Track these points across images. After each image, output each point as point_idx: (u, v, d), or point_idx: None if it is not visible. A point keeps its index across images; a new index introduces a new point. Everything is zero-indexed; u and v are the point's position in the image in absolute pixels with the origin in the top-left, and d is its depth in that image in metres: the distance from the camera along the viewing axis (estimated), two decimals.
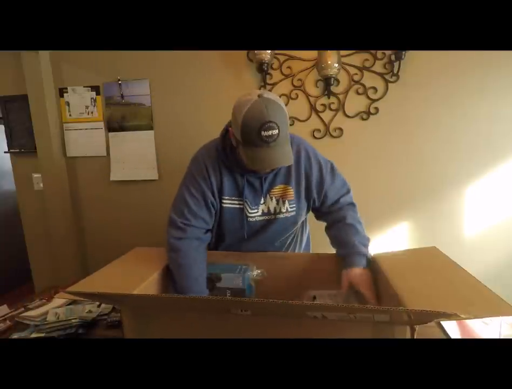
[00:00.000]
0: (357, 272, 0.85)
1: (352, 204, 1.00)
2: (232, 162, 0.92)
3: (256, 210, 0.95)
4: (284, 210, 0.95)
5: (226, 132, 0.93)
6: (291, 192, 0.95)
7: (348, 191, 1.02)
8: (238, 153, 0.86)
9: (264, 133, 0.75)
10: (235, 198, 0.94)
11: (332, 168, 1.00)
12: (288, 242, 1.05)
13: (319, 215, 1.04)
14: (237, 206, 0.94)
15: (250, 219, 0.95)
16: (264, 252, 0.99)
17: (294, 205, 0.96)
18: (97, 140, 1.78)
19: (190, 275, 0.88)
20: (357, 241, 0.89)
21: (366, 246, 0.91)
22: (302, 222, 1.08)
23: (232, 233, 0.98)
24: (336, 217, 0.98)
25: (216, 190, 0.93)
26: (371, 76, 1.49)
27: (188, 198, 0.93)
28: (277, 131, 0.76)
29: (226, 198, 0.94)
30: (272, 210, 0.95)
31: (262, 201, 0.95)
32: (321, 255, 0.99)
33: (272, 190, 0.95)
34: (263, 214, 0.96)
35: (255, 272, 0.91)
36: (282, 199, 0.95)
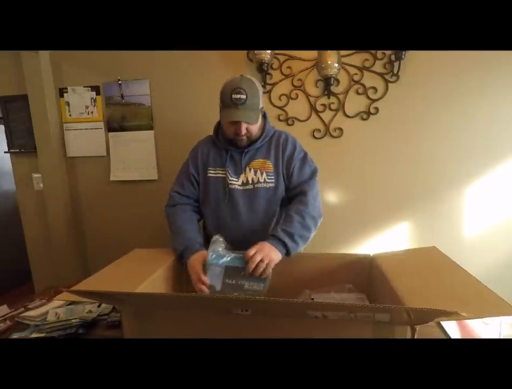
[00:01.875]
0: (261, 243, 0.90)
1: (302, 194, 1.04)
2: (220, 141, 1.12)
3: (236, 180, 1.09)
4: (262, 180, 1.08)
5: (219, 122, 1.13)
6: (270, 165, 1.09)
7: (311, 177, 1.08)
8: (222, 127, 1.09)
9: (234, 96, 0.98)
10: (219, 168, 1.11)
11: (305, 157, 1.12)
12: (269, 229, 1.08)
13: (287, 198, 1.11)
14: (220, 175, 1.10)
15: (231, 186, 1.08)
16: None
17: (273, 177, 1.08)
18: (97, 140, 1.78)
19: (179, 224, 1.06)
20: (281, 228, 0.95)
21: (288, 233, 0.94)
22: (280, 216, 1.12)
23: (215, 201, 1.11)
24: (287, 208, 1.05)
25: (201, 164, 1.14)
26: (371, 76, 1.49)
27: (178, 174, 1.20)
28: (245, 96, 0.98)
29: (211, 169, 1.12)
30: (250, 180, 1.08)
31: (242, 172, 1.09)
32: (322, 255, 0.99)
33: (252, 163, 1.09)
34: (243, 184, 1.09)
35: None
36: (260, 170, 1.08)
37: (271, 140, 1.12)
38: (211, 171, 1.12)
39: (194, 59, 1.60)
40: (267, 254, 0.87)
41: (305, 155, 1.12)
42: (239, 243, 0.96)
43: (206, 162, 1.13)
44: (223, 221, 1.10)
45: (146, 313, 0.70)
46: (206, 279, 0.87)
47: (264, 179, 1.07)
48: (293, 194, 1.08)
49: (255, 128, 1.06)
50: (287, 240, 0.93)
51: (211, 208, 1.12)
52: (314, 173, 1.10)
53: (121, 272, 0.88)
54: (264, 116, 1.13)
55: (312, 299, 0.89)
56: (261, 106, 1.05)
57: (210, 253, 0.88)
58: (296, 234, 0.94)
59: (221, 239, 0.92)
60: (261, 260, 0.85)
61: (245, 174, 1.09)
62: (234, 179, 1.09)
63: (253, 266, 0.84)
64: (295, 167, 1.08)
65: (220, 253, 0.89)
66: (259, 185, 1.07)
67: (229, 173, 1.09)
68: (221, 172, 1.11)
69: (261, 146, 1.11)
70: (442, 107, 1.48)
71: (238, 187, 1.08)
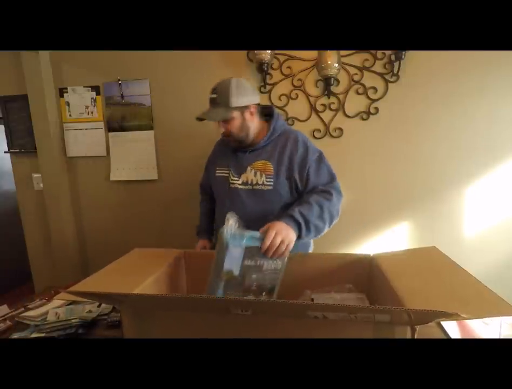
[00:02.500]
0: (276, 222, 0.86)
1: (327, 192, 1.01)
2: (228, 142, 1.14)
3: (237, 179, 1.10)
4: (261, 183, 1.07)
5: None
6: (271, 167, 1.07)
7: (331, 181, 1.05)
8: None
9: (209, 96, 1.05)
10: (224, 168, 1.15)
11: (320, 157, 1.08)
12: None
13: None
14: (225, 174, 1.14)
15: (232, 185, 1.11)
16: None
17: (272, 180, 1.06)
18: (97, 140, 1.78)
19: (199, 216, 1.32)
20: (299, 209, 0.93)
21: (304, 218, 0.91)
22: None
23: (221, 199, 1.17)
24: (307, 195, 1.02)
25: (212, 164, 1.22)
26: (371, 76, 1.49)
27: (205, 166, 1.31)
28: (215, 95, 1.03)
29: (218, 168, 1.17)
30: (250, 181, 1.08)
31: (244, 172, 1.09)
32: (322, 255, 0.99)
33: (254, 163, 1.09)
34: (243, 183, 1.09)
35: None
36: (260, 172, 1.07)
37: (278, 139, 1.10)
38: (218, 171, 1.16)
39: (194, 59, 1.61)
40: (287, 235, 0.84)
41: (320, 155, 1.08)
42: None
43: (214, 162, 1.20)
44: (223, 219, 1.10)
45: (145, 313, 0.70)
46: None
47: (263, 181, 1.06)
48: (316, 191, 1.03)
49: (233, 127, 1.05)
50: (303, 224, 0.90)
51: (218, 205, 1.20)
52: (332, 177, 1.06)
53: (121, 272, 0.88)
54: (270, 114, 1.13)
55: (313, 299, 0.89)
56: (235, 104, 1.02)
57: (225, 232, 0.78)
58: (312, 222, 0.92)
59: (234, 217, 0.83)
60: (282, 242, 0.81)
61: (246, 174, 1.09)
62: (235, 178, 1.10)
63: (273, 249, 0.80)
64: (310, 169, 1.05)
65: (236, 233, 0.80)
66: (257, 187, 1.07)
67: (231, 172, 1.11)
68: (226, 171, 1.13)
69: (266, 145, 1.09)
70: (442, 107, 1.48)
71: (239, 186, 1.09)
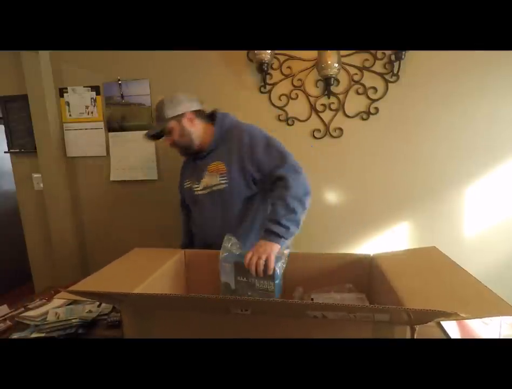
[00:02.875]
0: (259, 242, 0.93)
1: (283, 178, 1.01)
2: (180, 153, 1.21)
3: (198, 186, 1.15)
4: (216, 183, 1.10)
5: None
6: (223, 166, 1.10)
7: (283, 161, 1.04)
8: None
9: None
10: (188, 179, 1.20)
11: (267, 141, 1.08)
12: (246, 227, 1.12)
13: (265, 192, 1.11)
14: (189, 184, 1.19)
15: (196, 193, 1.15)
16: None
17: (225, 177, 1.09)
18: (97, 140, 1.78)
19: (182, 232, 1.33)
20: (268, 220, 0.98)
21: (276, 222, 0.94)
22: (263, 211, 1.14)
23: (191, 208, 1.21)
24: (270, 197, 1.06)
25: (181, 178, 1.27)
26: (371, 76, 1.49)
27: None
28: (155, 113, 1.13)
29: (185, 181, 1.22)
30: (208, 184, 1.12)
31: (202, 178, 1.14)
32: (322, 255, 0.99)
33: (209, 167, 1.12)
34: (203, 188, 1.13)
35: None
36: (214, 173, 1.11)
37: (225, 139, 1.12)
38: (185, 183, 1.22)
39: (194, 59, 1.61)
40: (263, 251, 0.87)
41: (268, 140, 1.08)
42: (216, 246, 0.98)
43: (182, 176, 1.27)
44: (199, 226, 1.20)
45: (145, 312, 0.70)
46: None
47: (218, 181, 1.09)
48: (272, 182, 1.05)
49: (175, 136, 1.11)
50: (276, 228, 0.93)
51: (192, 214, 1.23)
52: (283, 156, 1.05)
53: (121, 271, 0.88)
54: (212, 116, 1.16)
55: (312, 298, 0.89)
56: (170, 115, 1.08)
57: (221, 251, 0.91)
58: (282, 219, 0.94)
59: (231, 238, 0.93)
60: (259, 258, 0.85)
61: (204, 178, 1.13)
62: (196, 186, 1.15)
63: (252, 267, 0.84)
64: (259, 155, 1.06)
65: (230, 250, 0.91)
66: (214, 188, 1.10)
67: (193, 181, 1.17)
68: (190, 182, 1.19)
69: (217, 147, 1.13)
70: (442, 107, 1.48)
71: (200, 192, 1.14)
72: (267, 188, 1.09)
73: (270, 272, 0.85)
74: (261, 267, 0.85)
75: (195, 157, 1.17)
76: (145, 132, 1.18)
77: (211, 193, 1.11)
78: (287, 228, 0.94)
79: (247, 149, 1.07)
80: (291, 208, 0.97)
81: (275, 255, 0.88)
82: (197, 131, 1.12)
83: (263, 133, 1.12)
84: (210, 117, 1.17)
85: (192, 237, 1.27)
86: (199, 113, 1.14)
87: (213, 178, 1.10)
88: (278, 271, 0.86)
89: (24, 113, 1.75)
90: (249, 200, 1.12)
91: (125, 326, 0.72)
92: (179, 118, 1.10)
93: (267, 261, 0.85)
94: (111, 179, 1.79)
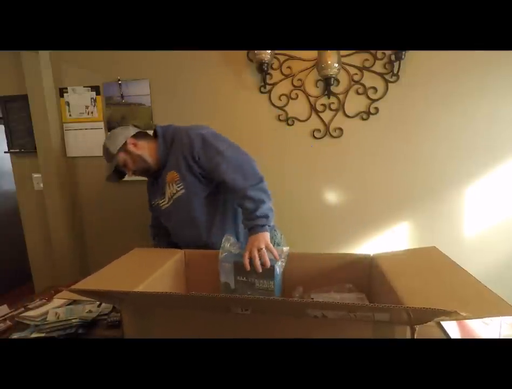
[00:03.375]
0: (249, 239, 0.96)
1: (227, 177, 1.02)
2: (146, 178, 1.25)
3: (164, 200, 1.17)
4: (175, 191, 1.12)
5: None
6: (175, 173, 1.12)
7: (220, 157, 1.04)
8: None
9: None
10: (154, 199, 1.22)
11: (203, 139, 1.08)
12: (218, 224, 1.14)
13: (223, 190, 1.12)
14: (156, 202, 1.20)
15: (163, 208, 1.17)
16: None
17: (181, 183, 1.11)
18: (97, 140, 1.77)
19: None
20: (244, 221, 1.01)
21: (251, 216, 0.97)
22: (231, 204, 1.16)
23: (165, 225, 1.22)
24: (234, 199, 1.08)
25: (149, 202, 1.28)
26: (371, 76, 1.49)
27: None
28: (106, 159, 1.18)
29: (152, 202, 1.25)
30: (170, 194, 1.14)
31: (165, 191, 1.15)
32: (322, 255, 0.99)
33: (166, 178, 1.14)
34: (168, 200, 1.15)
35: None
36: (171, 183, 1.13)
37: (170, 149, 1.13)
38: (153, 204, 1.24)
39: (194, 59, 1.61)
40: (259, 242, 0.90)
41: (202, 138, 1.07)
42: (204, 248, 1.04)
43: (150, 199, 1.28)
44: (177, 238, 1.20)
45: (146, 311, 0.70)
46: None
47: (176, 188, 1.12)
48: (221, 184, 1.07)
49: (129, 165, 1.14)
50: (256, 221, 0.96)
51: (169, 230, 1.24)
52: (218, 150, 1.04)
53: (121, 271, 0.88)
54: (154, 133, 1.17)
55: (312, 298, 0.89)
56: (114, 151, 1.12)
57: (220, 251, 0.92)
58: (256, 212, 0.97)
59: (230, 238, 0.95)
60: (259, 249, 0.88)
61: (167, 191, 1.15)
62: (163, 201, 1.17)
63: (256, 261, 0.86)
64: (200, 157, 1.06)
65: (229, 250, 0.92)
66: (176, 196, 1.12)
67: (158, 198, 1.19)
68: (156, 201, 1.21)
69: (165, 161, 1.14)
70: (442, 107, 1.48)
71: (167, 205, 1.16)
72: (219, 184, 1.10)
73: (278, 258, 0.88)
74: (266, 256, 0.86)
75: (154, 176, 1.19)
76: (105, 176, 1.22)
77: (174, 202, 1.13)
78: (265, 216, 0.97)
79: (186, 149, 1.08)
80: (257, 199, 0.99)
81: (267, 243, 0.91)
82: (145, 151, 1.14)
83: (198, 129, 1.11)
84: (154, 134, 1.19)
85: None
86: (138, 135, 1.17)
87: (172, 188, 1.12)
88: (278, 270, 0.86)
89: (24, 113, 1.75)
90: (211, 199, 1.13)
91: (125, 325, 0.72)
92: (123, 148, 1.13)
93: (267, 249, 0.88)
94: None
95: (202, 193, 1.11)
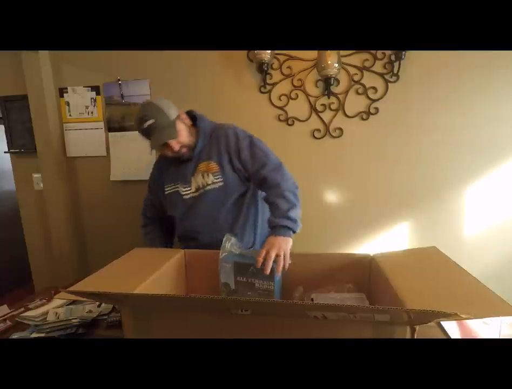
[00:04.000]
0: (267, 240, 0.92)
1: (272, 178, 1.03)
2: (164, 158, 1.15)
3: (189, 188, 1.11)
4: (210, 182, 1.09)
5: None
6: (214, 165, 1.09)
7: (267, 161, 1.06)
8: None
9: (142, 126, 1.03)
10: (172, 184, 1.15)
11: (251, 141, 1.10)
12: (240, 223, 1.12)
13: (257, 187, 1.13)
14: (174, 189, 1.14)
15: (185, 197, 1.12)
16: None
17: (219, 176, 1.09)
18: (97, 140, 1.78)
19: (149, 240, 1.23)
20: (272, 218, 0.97)
21: (283, 216, 0.95)
22: (254, 206, 1.16)
23: (178, 214, 1.15)
24: (265, 196, 1.06)
25: (157, 185, 1.20)
26: (371, 76, 1.49)
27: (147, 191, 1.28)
28: (151, 121, 1.02)
29: (166, 186, 1.16)
30: (200, 184, 1.10)
31: (191, 179, 1.11)
32: (322, 255, 0.99)
33: (198, 167, 1.11)
34: (196, 189, 1.11)
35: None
36: (206, 172, 1.09)
37: (211, 138, 1.12)
38: (167, 188, 1.16)
39: (194, 59, 1.60)
40: (279, 247, 0.87)
41: (251, 140, 1.10)
42: (214, 246, 0.98)
43: (160, 182, 1.19)
44: (190, 230, 1.14)
45: (145, 312, 0.70)
46: None
47: (212, 180, 1.09)
48: (259, 181, 1.07)
49: (183, 137, 1.07)
50: (284, 222, 0.93)
51: (176, 221, 1.18)
52: (266, 155, 1.07)
53: (121, 272, 0.88)
54: (194, 118, 1.14)
55: (312, 299, 0.89)
56: (173, 117, 1.05)
57: (221, 251, 0.90)
58: (288, 212, 0.95)
59: (231, 238, 0.93)
60: (277, 255, 0.85)
61: (195, 180, 1.11)
62: (187, 189, 1.12)
63: (269, 262, 0.83)
64: (245, 156, 1.08)
65: (229, 250, 0.91)
66: (209, 187, 1.09)
67: (180, 185, 1.13)
68: (174, 186, 1.14)
69: (202, 149, 1.11)
70: (442, 107, 1.48)
71: (193, 194, 1.11)
72: (255, 186, 1.12)
73: (286, 269, 0.86)
74: (282, 263, 0.85)
75: (179, 161, 1.13)
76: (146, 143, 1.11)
77: (205, 193, 1.09)
78: (294, 220, 0.95)
79: (234, 149, 1.08)
80: (292, 202, 0.98)
81: (289, 250, 0.89)
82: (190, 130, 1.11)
83: (246, 132, 1.13)
84: (191, 117, 1.15)
85: (167, 240, 1.26)
86: (187, 113, 1.14)
87: (205, 178, 1.09)
88: (280, 274, 0.86)
89: (24, 113, 1.75)
90: (241, 197, 1.13)
91: (125, 326, 0.72)
92: (178, 118, 1.07)
93: (284, 257, 0.86)
94: (111, 179, 1.79)
95: (236, 191, 1.11)
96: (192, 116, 1.15)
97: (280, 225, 0.94)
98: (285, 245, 0.89)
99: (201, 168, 1.10)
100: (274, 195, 1.01)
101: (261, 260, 0.84)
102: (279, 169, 1.05)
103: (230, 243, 0.92)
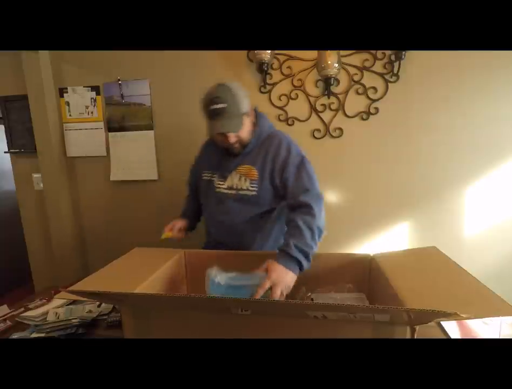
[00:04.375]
0: (275, 266, 0.81)
1: (309, 206, 0.95)
2: (216, 144, 1.10)
3: (222, 183, 1.09)
4: (245, 188, 1.05)
5: None
6: (255, 172, 1.05)
7: (311, 188, 0.99)
8: None
9: (212, 107, 0.97)
10: (209, 172, 1.14)
11: (302, 162, 1.03)
12: (257, 240, 1.08)
13: (289, 208, 1.03)
14: (210, 178, 1.13)
15: (217, 190, 1.10)
16: (263, 252, 1.00)
17: (256, 185, 1.05)
18: (97, 140, 1.78)
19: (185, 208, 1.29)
20: (294, 243, 0.86)
21: (302, 251, 0.86)
22: (278, 228, 1.10)
23: (206, 202, 1.16)
24: (291, 216, 0.96)
25: (198, 167, 1.20)
26: (371, 76, 1.49)
27: (191, 168, 1.29)
28: (223, 105, 0.96)
29: (204, 172, 1.16)
30: (234, 185, 1.07)
31: (228, 176, 1.08)
32: (322, 255, 0.99)
33: (239, 168, 1.07)
34: (228, 188, 1.08)
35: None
36: (245, 177, 1.06)
37: (263, 144, 1.07)
38: (204, 174, 1.15)
39: (194, 59, 1.60)
40: (284, 284, 0.79)
41: (302, 160, 1.03)
42: (227, 244, 0.99)
43: (201, 165, 1.19)
44: (213, 221, 1.14)
45: (145, 312, 0.70)
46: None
47: (247, 186, 1.04)
48: (294, 204, 0.99)
49: (244, 133, 1.02)
50: (301, 258, 0.85)
51: (205, 208, 1.18)
52: (312, 181, 1.01)
53: (121, 271, 0.88)
54: (257, 117, 1.09)
55: (312, 299, 0.89)
56: (244, 110, 1.00)
57: (209, 287, 0.80)
58: (310, 251, 0.87)
59: (213, 272, 0.83)
60: (281, 294, 0.77)
61: (231, 178, 1.07)
62: (221, 183, 1.09)
63: (261, 292, 0.76)
64: (289, 174, 1.01)
65: (217, 283, 0.81)
66: (242, 192, 1.05)
67: (217, 176, 1.11)
68: (211, 175, 1.13)
69: (250, 151, 1.07)
70: (442, 107, 1.48)
71: (224, 190, 1.09)
72: (287, 206, 1.03)
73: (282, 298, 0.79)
74: (277, 297, 0.77)
75: (224, 152, 1.09)
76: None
77: (237, 195, 1.05)
78: (308, 261, 0.87)
79: (281, 163, 1.02)
80: (315, 241, 0.91)
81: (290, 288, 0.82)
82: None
83: (299, 150, 1.06)
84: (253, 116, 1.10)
85: (193, 219, 1.26)
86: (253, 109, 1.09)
87: (242, 181, 1.05)
88: None
89: (24, 113, 1.75)
90: (268, 213, 1.08)
91: (125, 325, 0.72)
92: (247, 113, 1.02)
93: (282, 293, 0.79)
94: (111, 179, 1.79)
95: (266, 205, 1.06)
96: (256, 113, 1.11)
97: (295, 257, 0.84)
98: (290, 283, 0.81)
99: (241, 170, 1.06)
100: (302, 222, 0.91)
101: (261, 292, 0.75)
102: (319, 201, 0.98)
103: (216, 279, 0.81)
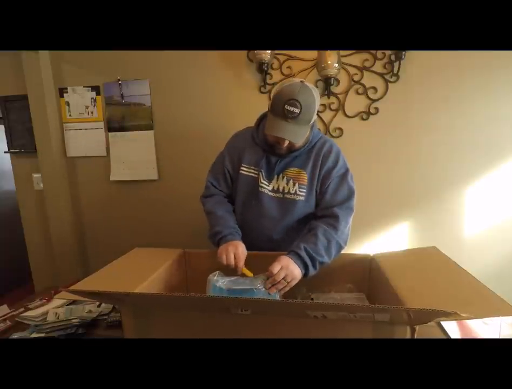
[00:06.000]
0: (285, 258, 0.83)
1: (337, 218, 0.94)
2: (260, 138, 1.03)
3: (267, 184, 1.02)
4: (293, 192, 1.00)
5: (263, 116, 1.05)
6: (305, 177, 1.00)
7: (348, 199, 0.98)
8: (264, 125, 0.98)
9: (287, 108, 0.88)
10: (252, 167, 1.03)
11: (345, 174, 1.01)
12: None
13: (317, 215, 1.01)
14: (253, 174, 1.03)
15: (261, 190, 1.01)
16: (267, 253, 0.99)
17: (304, 190, 1.00)
18: (97, 140, 1.78)
19: (216, 217, 1.02)
20: (304, 246, 0.86)
21: (310, 256, 0.85)
22: None
23: (245, 200, 1.05)
24: (313, 224, 0.95)
25: (236, 159, 1.06)
26: (371, 76, 1.49)
27: (214, 164, 1.13)
28: (298, 110, 0.87)
29: (244, 166, 1.04)
30: (281, 189, 1.01)
31: (274, 178, 1.01)
32: None
33: (286, 170, 1.01)
34: (273, 190, 1.01)
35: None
36: (293, 180, 1.00)
37: (313, 149, 1.02)
38: (244, 168, 1.04)
39: (194, 59, 1.60)
40: (291, 272, 0.81)
41: (346, 172, 1.01)
42: (257, 248, 0.95)
43: (240, 158, 1.05)
44: (247, 222, 1.05)
45: (146, 312, 0.70)
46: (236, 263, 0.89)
47: (296, 190, 0.99)
48: (323, 214, 0.97)
49: (301, 141, 0.97)
50: (308, 262, 0.84)
51: (239, 206, 1.07)
52: (350, 195, 0.99)
53: (121, 271, 0.88)
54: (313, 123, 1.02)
55: (312, 298, 0.89)
56: (313, 121, 0.94)
57: (211, 293, 0.81)
58: (318, 260, 0.86)
59: (214, 277, 0.84)
60: (285, 277, 0.79)
61: (277, 180, 1.01)
62: (265, 183, 1.02)
63: (274, 281, 0.78)
64: (331, 184, 0.99)
65: (219, 287, 0.81)
66: (289, 196, 1.00)
67: (261, 175, 1.02)
68: (254, 171, 1.03)
69: (300, 154, 1.01)
70: (442, 107, 1.48)
71: (269, 193, 1.01)
72: (316, 212, 1.01)
73: (284, 292, 0.82)
74: (282, 285, 0.80)
75: (266, 148, 1.01)
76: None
77: (283, 199, 1.00)
78: (316, 270, 0.86)
79: (326, 169, 1.00)
80: (330, 253, 0.89)
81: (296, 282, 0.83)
82: None
83: (345, 162, 1.04)
84: None
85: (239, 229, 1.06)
86: None
87: (290, 186, 1.00)
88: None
89: (24, 113, 1.75)
90: (306, 218, 1.03)
91: (125, 325, 0.72)
92: (314, 123, 0.98)
93: (288, 283, 0.81)
94: (111, 179, 1.79)
95: (310, 210, 1.02)
96: None
97: (302, 258, 0.84)
98: (297, 274, 0.82)
99: (290, 174, 1.00)
100: (323, 232, 0.90)
101: (277, 278, 0.78)
102: (348, 216, 0.97)
103: (214, 284, 0.82)
